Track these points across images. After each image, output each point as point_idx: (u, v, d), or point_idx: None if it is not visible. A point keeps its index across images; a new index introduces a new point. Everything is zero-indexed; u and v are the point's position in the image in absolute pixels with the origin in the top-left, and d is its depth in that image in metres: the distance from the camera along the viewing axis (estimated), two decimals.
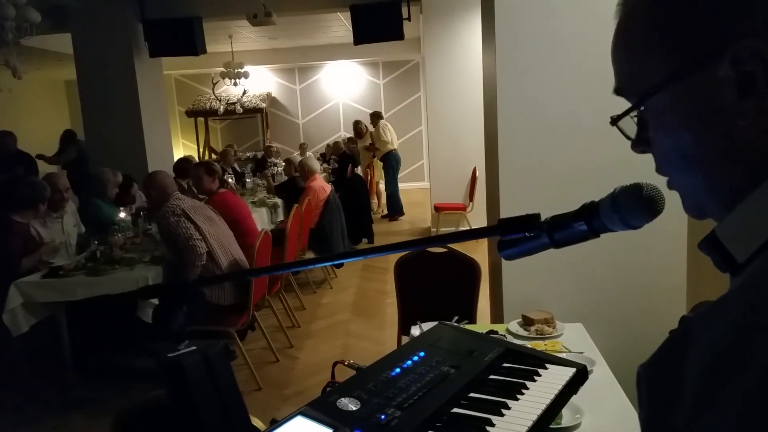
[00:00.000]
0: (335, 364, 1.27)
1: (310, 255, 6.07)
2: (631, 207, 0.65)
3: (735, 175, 0.52)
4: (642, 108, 0.58)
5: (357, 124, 9.72)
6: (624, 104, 0.60)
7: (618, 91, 0.60)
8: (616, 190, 0.66)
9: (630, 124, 0.60)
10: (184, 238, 3.44)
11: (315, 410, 0.95)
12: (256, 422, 1.25)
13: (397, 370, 1.14)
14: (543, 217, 0.74)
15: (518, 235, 0.73)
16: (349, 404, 1.00)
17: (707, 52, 0.51)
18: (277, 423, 0.94)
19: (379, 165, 9.37)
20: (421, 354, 1.21)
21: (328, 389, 1.09)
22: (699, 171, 0.55)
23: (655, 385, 0.50)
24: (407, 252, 2.95)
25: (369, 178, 9.07)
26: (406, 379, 1.10)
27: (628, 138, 0.61)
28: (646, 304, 2.59)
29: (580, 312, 2.44)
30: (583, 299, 2.58)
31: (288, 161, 7.04)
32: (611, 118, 0.61)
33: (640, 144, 0.60)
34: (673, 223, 2.48)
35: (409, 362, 1.17)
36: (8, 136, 7.42)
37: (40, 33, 4.92)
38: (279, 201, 6.26)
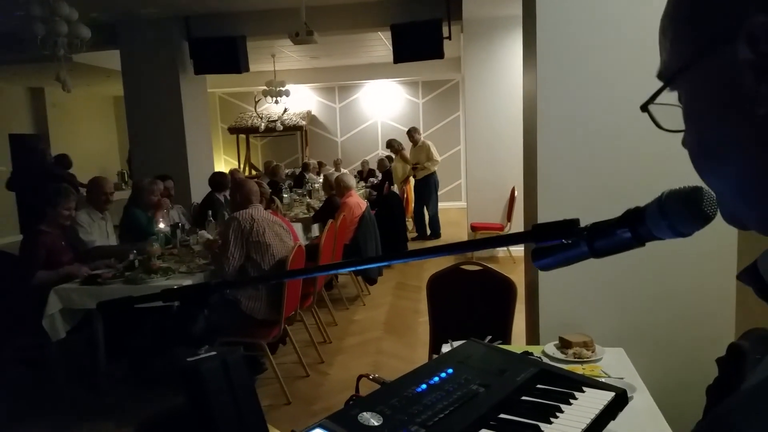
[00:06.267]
0: (360, 377, 1.23)
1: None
2: (681, 212, 0.59)
3: (764, 179, 0.45)
4: (676, 95, 0.52)
5: (391, 143, 9.59)
6: (673, 110, 0.55)
7: (658, 75, 0.55)
8: (663, 193, 0.61)
9: (678, 117, 0.55)
10: (229, 251, 3.50)
11: (335, 423, 0.91)
12: None
13: (423, 386, 1.09)
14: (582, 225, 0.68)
15: (554, 242, 0.68)
16: (371, 419, 0.95)
17: (725, 30, 0.45)
18: None
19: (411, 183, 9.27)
20: (450, 371, 1.16)
21: (350, 402, 1.05)
22: (724, 170, 0.49)
23: None
24: (442, 269, 2.90)
25: (405, 196, 9.01)
26: (432, 396, 1.05)
27: (658, 125, 0.55)
28: (692, 327, 2.46)
29: (621, 335, 2.33)
30: (625, 322, 2.47)
31: (326, 178, 7.05)
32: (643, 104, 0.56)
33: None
34: (722, 239, 2.36)
35: (437, 378, 1.12)
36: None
37: (90, 49, 5.11)
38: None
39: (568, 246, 0.68)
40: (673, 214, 0.59)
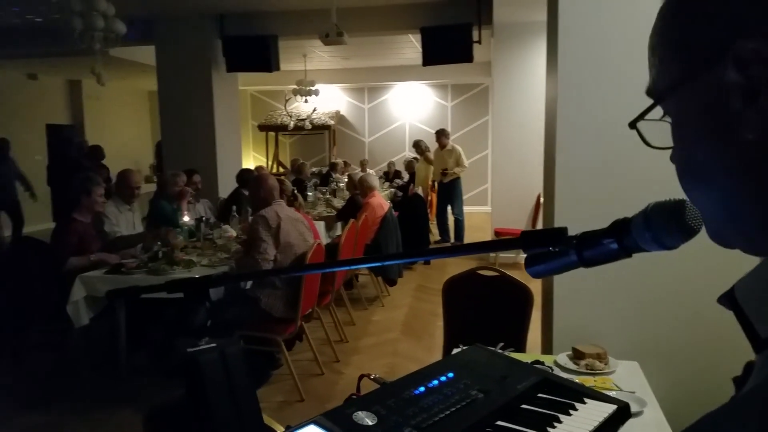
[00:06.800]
0: (361, 377, 1.24)
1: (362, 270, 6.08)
2: (664, 224, 0.58)
3: (750, 202, 0.45)
4: (663, 113, 0.52)
5: (418, 143, 9.52)
6: (662, 126, 0.55)
7: (647, 92, 0.55)
8: (649, 205, 0.60)
9: (667, 133, 0.55)
10: (261, 248, 3.54)
11: (329, 420, 0.92)
12: (276, 425, 1.23)
13: (422, 388, 1.09)
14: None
15: (542, 249, 0.68)
16: (366, 418, 0.96)
17: (714, 51, 0.44)
18: (290, 429, 0.92)
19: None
20: (450, 375, 1.16)
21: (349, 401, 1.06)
22: (709, 190, 0.49)
23: None
24: (457, 273, 2.90)
25: (429, 198, 8.98)
26: (430, 399, 1.05)
27: (646, 143, 0.55)
28: (711, 343, 2.40)
29: (636, 349, 2.29)
30: (641, 335, 2.43)
31: (350, 177, 7.11)
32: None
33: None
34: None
35: (436, 382, 1.12)
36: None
37: (126, 44, 5.25)
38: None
39: (559, 254, 0.69)
40: (657, 227, 0.59)
